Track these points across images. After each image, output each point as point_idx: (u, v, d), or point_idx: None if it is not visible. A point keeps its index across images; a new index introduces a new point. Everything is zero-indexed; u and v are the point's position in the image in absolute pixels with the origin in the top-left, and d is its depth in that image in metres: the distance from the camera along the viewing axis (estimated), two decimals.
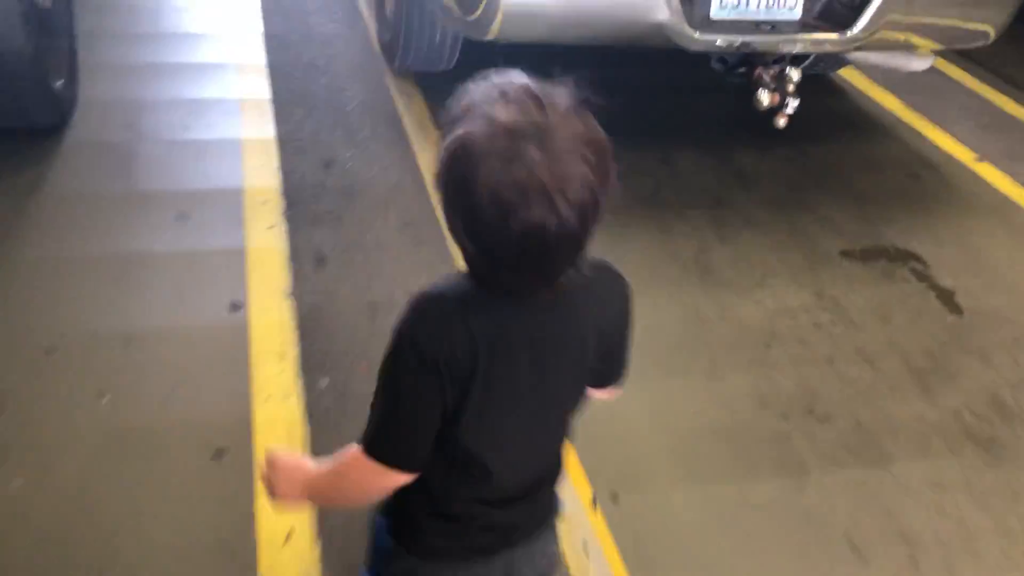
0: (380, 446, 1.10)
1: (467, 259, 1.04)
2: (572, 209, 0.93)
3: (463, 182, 0.95)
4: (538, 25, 2.96)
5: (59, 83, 3.13)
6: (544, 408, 1.15)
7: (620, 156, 1.00)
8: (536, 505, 1.26)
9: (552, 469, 1.25)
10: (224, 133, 3.44)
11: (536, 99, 0.95)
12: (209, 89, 3.75)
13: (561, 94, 0.96)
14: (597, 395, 1.24)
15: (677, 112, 3.99)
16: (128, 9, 4.42)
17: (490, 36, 2.97)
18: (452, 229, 1.00)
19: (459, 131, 0.95)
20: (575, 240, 0.97)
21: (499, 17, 2.88)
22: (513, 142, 0.92)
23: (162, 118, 3.47)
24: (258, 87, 3.79)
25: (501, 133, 0.93)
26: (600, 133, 0.97)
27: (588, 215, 0.95)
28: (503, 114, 0.94)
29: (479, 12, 2.93)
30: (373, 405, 1.09)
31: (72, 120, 3.28)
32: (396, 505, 1.21)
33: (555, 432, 1.21)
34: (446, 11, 3.22)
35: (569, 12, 2.94)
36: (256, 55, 4.07)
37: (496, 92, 0.96)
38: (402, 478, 1.12)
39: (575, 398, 1.19)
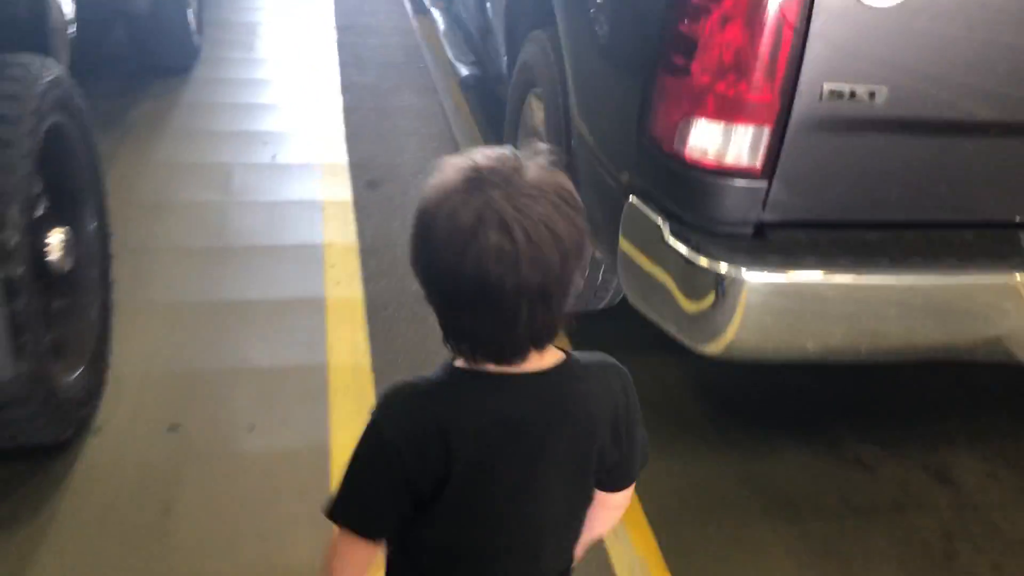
0: (340, 510, 1.08)
1: (440, 321, 1.03)
2: (530, 242, 0.93)
3: (425, 223, 0.98)
4: (807, 331, 1.87)
5: (76, 375, 2.15)
6: (540, 507, 1.10)
7: None
8: None
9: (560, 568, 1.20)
10: None
11: (504, 154, 0.99)
12: None
13: (535, 154, 1.01)
14: (607, 501, 1.18)
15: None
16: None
17: (711, 348, 1.87)
18: (421, 282, 1.01)
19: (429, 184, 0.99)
20: (537, 282, 0.95)
21: (737, 317, 1.81)
22: (476, 182, 0.96)
23: None
24: None
25: (465, 177, 0.97)
26: (569, 185, 0.99)
27: (548, 255, 0.94)
28: (470, 164, 0.98)
29: (708, 303, 1.87)
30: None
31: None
32: None
33: (558, 533, 1.16)
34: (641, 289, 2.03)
35: (866, 311, 1.85)
36: None
37: (468, 158, 0.99)
38: (364, 548, 1.09)
39: (578, 498, 1.15)
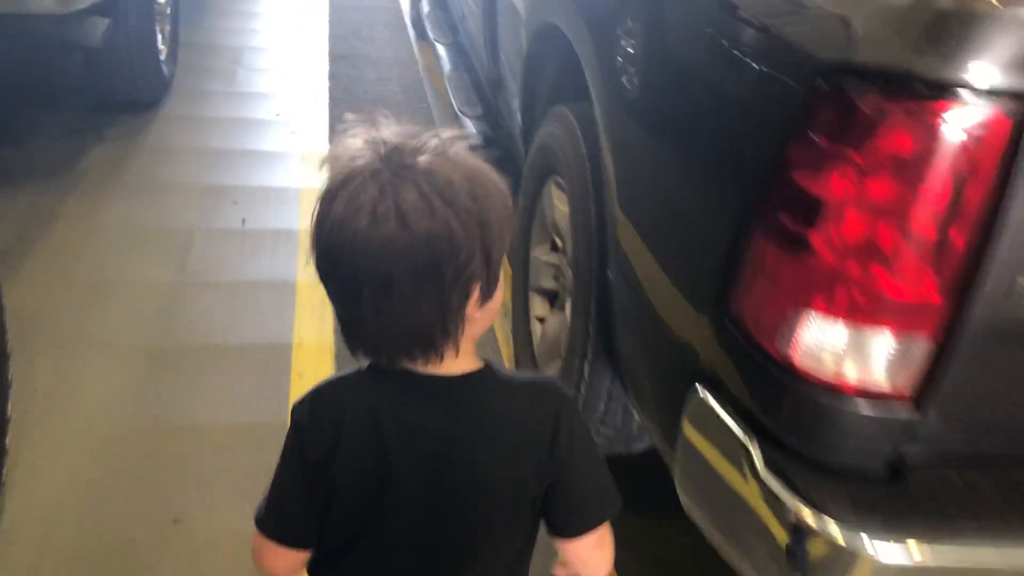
0: (261, 519, 1.07)
1: (337, 316, 1.01)
2: (375, 228, 0.91)
3: (315, 228, 0.97)
4: None
5: None
6: (444, 529, 1.03)
7: None
8: None
9: None
10: None
11: (412, 134, 0.97)
12: None
13: (453, 140, 0.97)
14: (568, 553, 1.09)
15: None
16: None
17: None
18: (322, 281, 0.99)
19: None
20: (381, 271, 0.92)
21: None
22: (357, 176, 0.93)
23: None
24: None
25: (355, 154, 0.95)
26: (466, 183, 0.94)
27: (392, 245, 0.91)
28: (372, 138, 0.96)
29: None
30: None
31: None
32: None
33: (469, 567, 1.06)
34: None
35: None
36: None
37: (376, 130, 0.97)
38: (284, 555, 1.06)
39: (503, 532, 1.06)
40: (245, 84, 4.61)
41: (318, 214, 0.95)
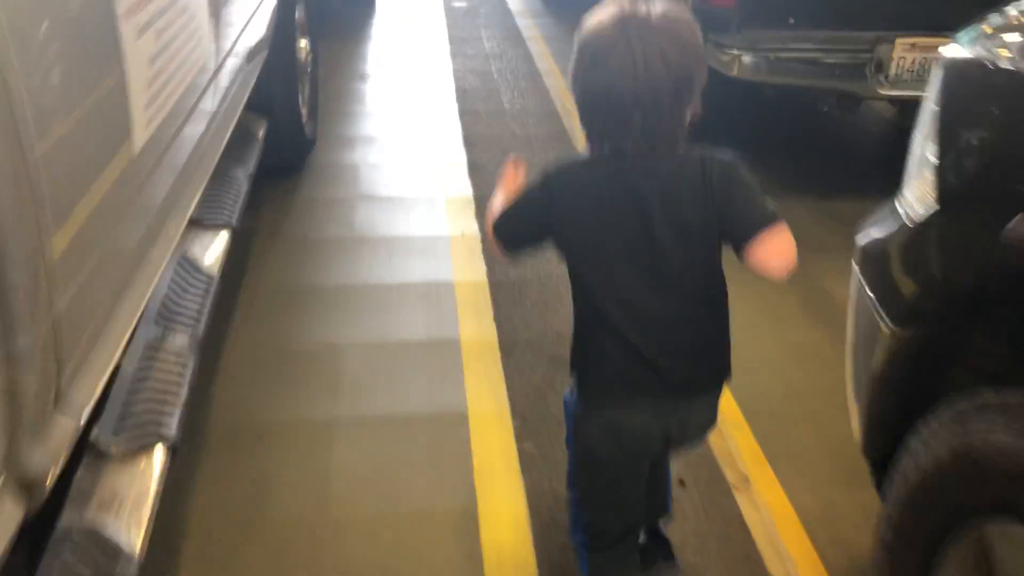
0: (498, 227, 1.64)
1: (586, 131, 1.55)
2: (647, 65, 1.42)
3: (580, 50, 1.50)
4: None
5: None
6: (656, 257, 1.50)
7: None
8: (688, 362, 1.57)
9: (697, 330, 1.57)
10: None
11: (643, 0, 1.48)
12: None
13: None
14: (757, 263, 1.47)
15: None
16: None
17: None
18: (575, 97, 1.53)
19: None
20: (650, 95, 1.43)
21: None
22: (619, 20, 1.45)
23: None
24: None
25: (611, 16, 1.47)
26: (690, 27, 1.48)
27: (659, 75, 1.42)
28: (617, 9, 1.47)
29: None
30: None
31: None
32: (572, 358, 1.67)
33: (684, 284, 1.53)
34: None
35: None
36: None
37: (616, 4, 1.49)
38: (503, 250, 1.67)
39: (694, 256, 1.52)
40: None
41: (584, 68, 1.49)
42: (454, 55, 6.10)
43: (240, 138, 3.23)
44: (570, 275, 1.59)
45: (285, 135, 3.92)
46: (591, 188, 1.51)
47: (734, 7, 3.71)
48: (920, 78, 3.78)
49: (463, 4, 7.46)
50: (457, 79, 5.64)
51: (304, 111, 4.18)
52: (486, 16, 7.18)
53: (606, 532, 1.75)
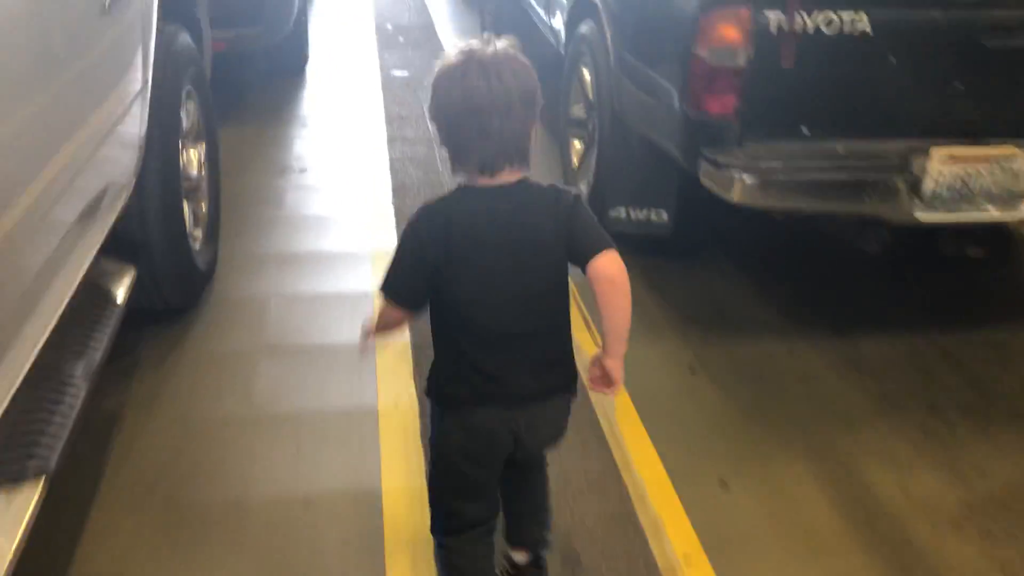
0: (386, 287, 1.76)
1: (448, 151, 1.70)
2: (499, 78, 1.60)
3: (436, 83, 1.67)
4: None
5: None
6: (516, 273, 1.69)
7: None
8: (540, 372, 1.78)
9: (549, 340, 1.79)
10: None
11: (483, 39, 1.66)
12: None
13: (501, 43, 1.66)
14: (597, 270, 1.67)
15: None
16: None
17: None
18: (435, 125, 1.70)
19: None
20: (503, 101, 1.60)
21: None
22: (466, 54, 1.64)
23: None
24: None
25: (459, 52, 1.65)
26: (520, 57, 1.66)
27: (509, 87, 1.61)
28: (462, 47, 1.66)
29: None
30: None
31: None
32: (431, 369, 1.84)
33: (535, 299, 1.73)
34: None
35: None
36: None
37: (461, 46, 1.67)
38: (397, 313, 1.81)
39: (547, 272, 1.72)
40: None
41: (443, 92, 1.66)
42: (392, 140, 5.28)
43: (82, 312, 2.36)
44: (432, 301, 1.75)
45: (169, 275, 3.06)
46: (461, 217, 1.68)
47: (733, 115, 2.94)
48: (962, 197, 3.05)
49: (404, 73, 6.66)
50: (395, 171, 4.83)
51: (198, 237, 3.33)
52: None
53: (461, 518, 1.90)
